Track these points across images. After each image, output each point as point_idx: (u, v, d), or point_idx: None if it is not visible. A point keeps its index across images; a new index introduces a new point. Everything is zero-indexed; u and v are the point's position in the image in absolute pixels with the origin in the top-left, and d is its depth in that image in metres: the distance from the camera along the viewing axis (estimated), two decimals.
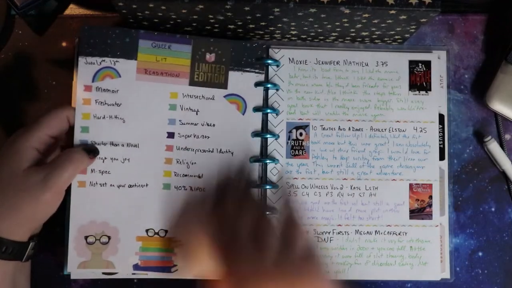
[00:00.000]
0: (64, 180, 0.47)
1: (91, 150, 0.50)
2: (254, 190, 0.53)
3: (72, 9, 0.57)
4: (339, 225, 0.53)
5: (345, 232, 0.53)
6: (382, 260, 0.53)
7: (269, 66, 0.54)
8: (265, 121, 0.54)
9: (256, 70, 0.53)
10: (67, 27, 0.56)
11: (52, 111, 0.49)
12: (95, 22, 0.56)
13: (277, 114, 0.54)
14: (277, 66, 0.54)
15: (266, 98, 0.54)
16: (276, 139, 0.54)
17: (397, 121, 0.54)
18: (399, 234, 0.53)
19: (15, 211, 0.45)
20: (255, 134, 0.53)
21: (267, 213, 0.52)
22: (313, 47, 0.56)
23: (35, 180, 0.45)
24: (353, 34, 0.53)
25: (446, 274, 0.53)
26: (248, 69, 0.53)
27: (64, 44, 0.56)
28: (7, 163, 0.46)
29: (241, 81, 0.53)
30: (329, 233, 0.53)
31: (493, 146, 0.55)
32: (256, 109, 0.53)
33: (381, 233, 0.53)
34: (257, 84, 0.53)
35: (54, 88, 0.55)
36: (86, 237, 0.50)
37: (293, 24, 0.50)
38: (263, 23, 0.50)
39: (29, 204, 0.45)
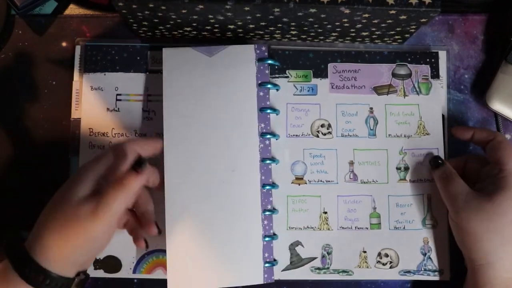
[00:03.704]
0: (113, 210, 0.42)
1: (137, 164, 0.45)
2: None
3: (72, 9, 0.57)
4: None
5: None
6: None
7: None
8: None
9: None
10: (67, 27, 0.56)
11: (119, 144, 0.46)
12: (95, 22, 0.56)
13: (277, 115, 0.54)
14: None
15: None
16: (276, 139, 0.53)
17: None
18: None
19: (63, 243, 0.42)
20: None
21: (267, 213, 0.52)
22: (313, 47, 0.56)
23: (85, 211, 0.42)
24: (353, 34, 0.53)
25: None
26: None
27: (64, 44, 0.56)
28: (62, 192, 0.44)
29: None
30: None
31: None
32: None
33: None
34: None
35: (54, 88, 0.55)
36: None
37: (293, 24, 0.50)
38: (263, 23, 0.50)
39: (77, 236, 0.42)
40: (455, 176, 0.49)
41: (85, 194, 0.43)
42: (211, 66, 0.52)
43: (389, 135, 0.54)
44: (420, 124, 0.54)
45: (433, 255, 0.53)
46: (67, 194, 0.43)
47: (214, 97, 0.52)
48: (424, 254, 0.53)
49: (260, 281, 0.50)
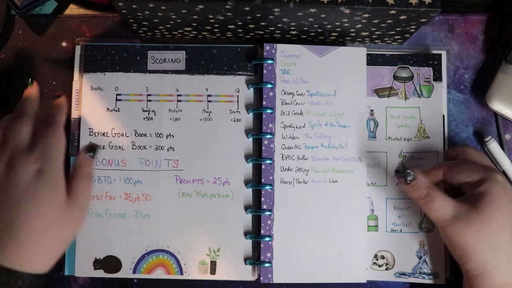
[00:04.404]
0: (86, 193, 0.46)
1: (90, 150, 0.48)
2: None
3: (72, 9, 0.57)
4: None
5: None
6: None
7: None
8: (259, 122, 0.54)
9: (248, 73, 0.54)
10: (67, 27, 0.56)
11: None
12: (95, 22, 0.56)
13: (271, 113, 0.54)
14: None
15: (260, 98, 0.54)
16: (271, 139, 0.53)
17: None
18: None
19: (48, 243, 0.42)
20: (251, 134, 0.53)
21: (267, 213, 0.52)
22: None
23: (71, 216, 0.44)
24: (353, 34, 0.53)
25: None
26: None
27: (64, 44, 0.56)
28: (40, 194, 0.43)
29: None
30: None
31: (493, 146, 0.55)
32: (252, 109, 0.53)
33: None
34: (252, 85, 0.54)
35: (54, 88, 0.55)
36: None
37: (293, 24, 0.50)
38: (263, 23, 0.50)
39: (65, 237, 0.44)
40: (434, 192, 0.47)
41: (65, 196, 0.44)
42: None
43: (389, 137, 0.54)
44: (421, 127, 0.54)
45: (428, 258, 0.53)
46: (47, 197, 0.43)
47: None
48: (420, 257, 0.53)
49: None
